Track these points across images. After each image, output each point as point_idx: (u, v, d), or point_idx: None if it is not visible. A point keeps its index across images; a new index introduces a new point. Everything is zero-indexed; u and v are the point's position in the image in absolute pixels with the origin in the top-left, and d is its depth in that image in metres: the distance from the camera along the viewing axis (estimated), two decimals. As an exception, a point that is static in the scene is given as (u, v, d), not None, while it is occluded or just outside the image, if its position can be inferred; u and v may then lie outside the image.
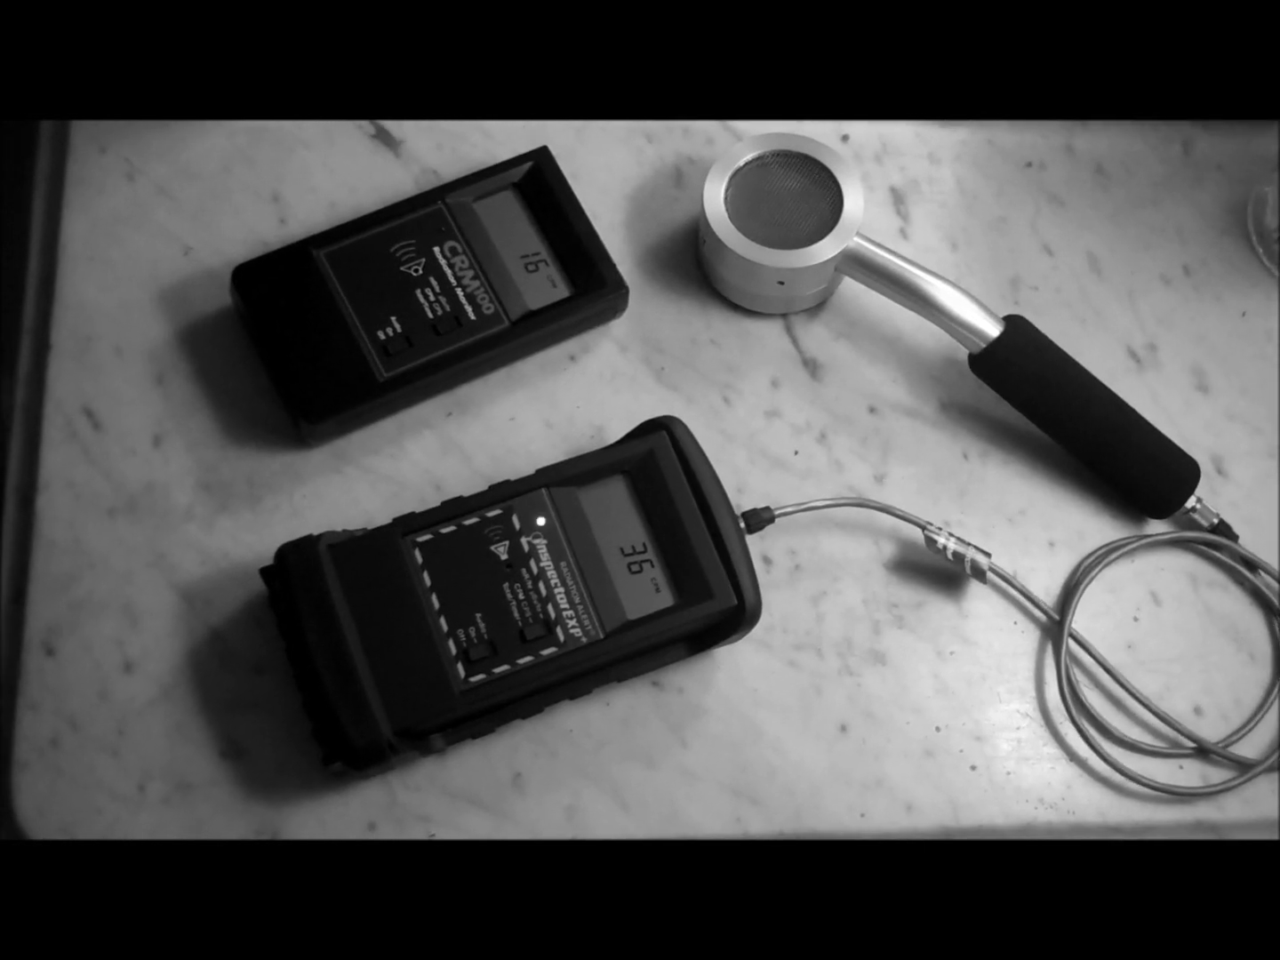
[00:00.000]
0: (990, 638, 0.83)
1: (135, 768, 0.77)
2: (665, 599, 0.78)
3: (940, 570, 0.84)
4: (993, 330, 0.84)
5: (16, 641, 0.79)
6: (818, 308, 0.89)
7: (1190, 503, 0.85)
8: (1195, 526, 0.86)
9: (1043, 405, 0.85)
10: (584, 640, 0.76)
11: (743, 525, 0.80)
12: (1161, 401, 0.89)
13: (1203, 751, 0.82)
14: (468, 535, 0.78)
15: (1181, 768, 0.82)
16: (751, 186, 0.86)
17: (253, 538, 0.81)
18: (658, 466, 0.79)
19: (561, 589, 0.77)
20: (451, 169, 0.89)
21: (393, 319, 0.83)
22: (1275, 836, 0.81)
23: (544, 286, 0.85)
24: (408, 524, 0.78)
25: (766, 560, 0.83)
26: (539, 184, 0.86)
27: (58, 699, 0.78)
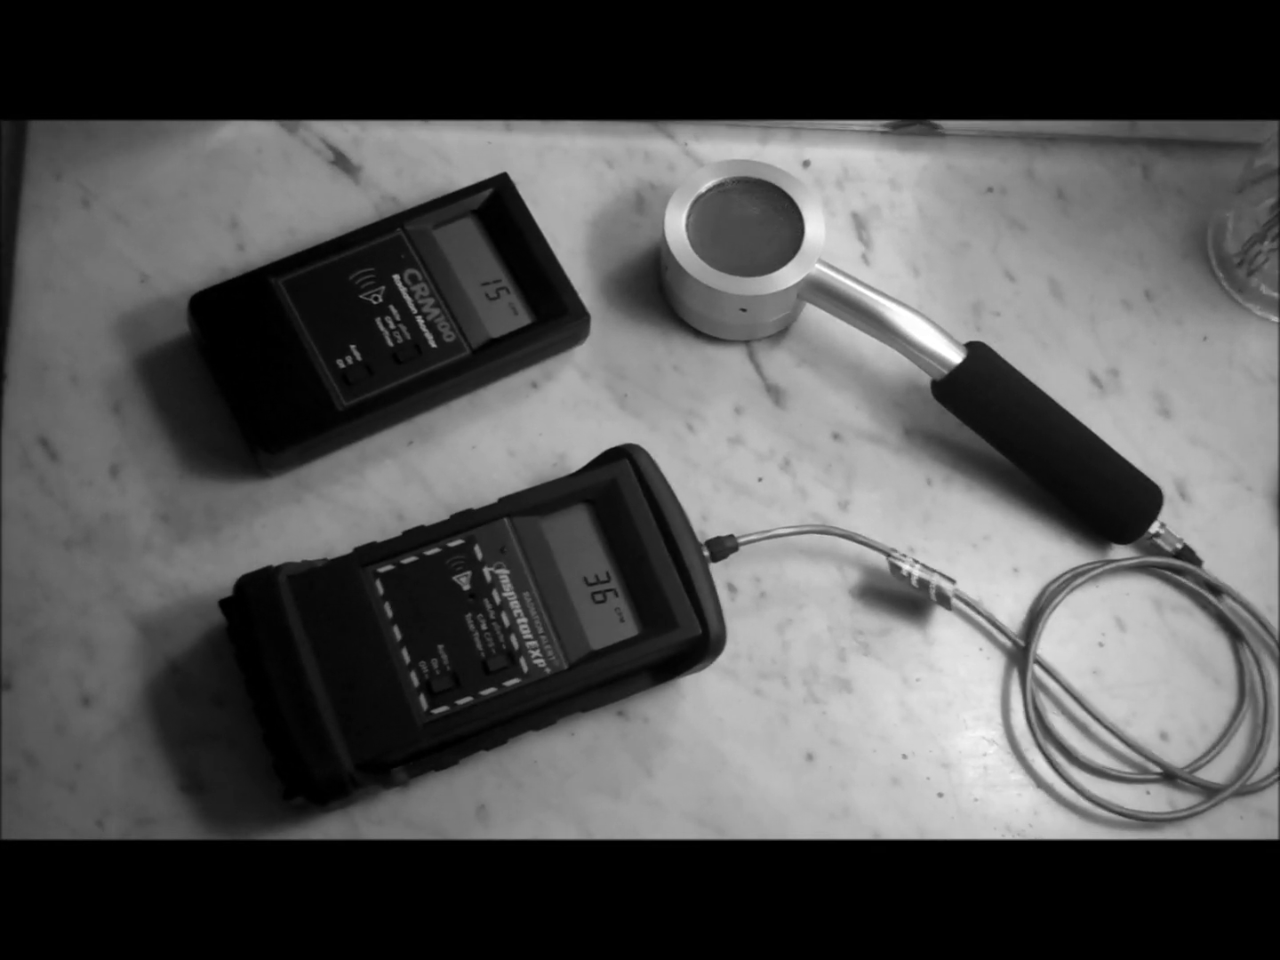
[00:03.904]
0: (956, 664, 0.83)
1: (94, 803, 0.76)
2: (629, 629, 0.77)
3: (905, 597, 0.84)
4: (955, 357, 0.84)
5: (-29, 676, 0.78)
6: (780, 334, 0.89)
7: (1154, 528, 0.85)
8: (1159, 551, 0.86)
9: (1005, 431, 0.85)
10: (548, 671, 0.76)
11: (707, 553, 0.79)
12: (1124, 426, 0.89)
13: (1169, 777, 0.82)
14: (429, 565, 0.77)
15: (1148, 793, 0.82)
16: (713, 213, 0.86)
17: (212, 568, 0.80)
18: (621, 495, 0.79)
19: (525, 619, 0.76)
20: (411, 195, 0.89)
21: (352, 347, 0.82)
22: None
23: (505, 314, 0.84)
24: (369, 554, 0.77)
25: (731, 588, 0.83)
26: (499, 211, 0.86)
27: (14, 734, 0.77)
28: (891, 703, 0.82)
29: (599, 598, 0.78)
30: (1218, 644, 0.85)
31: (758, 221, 0.86)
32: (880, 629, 0.83)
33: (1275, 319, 0.92)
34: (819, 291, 0.85)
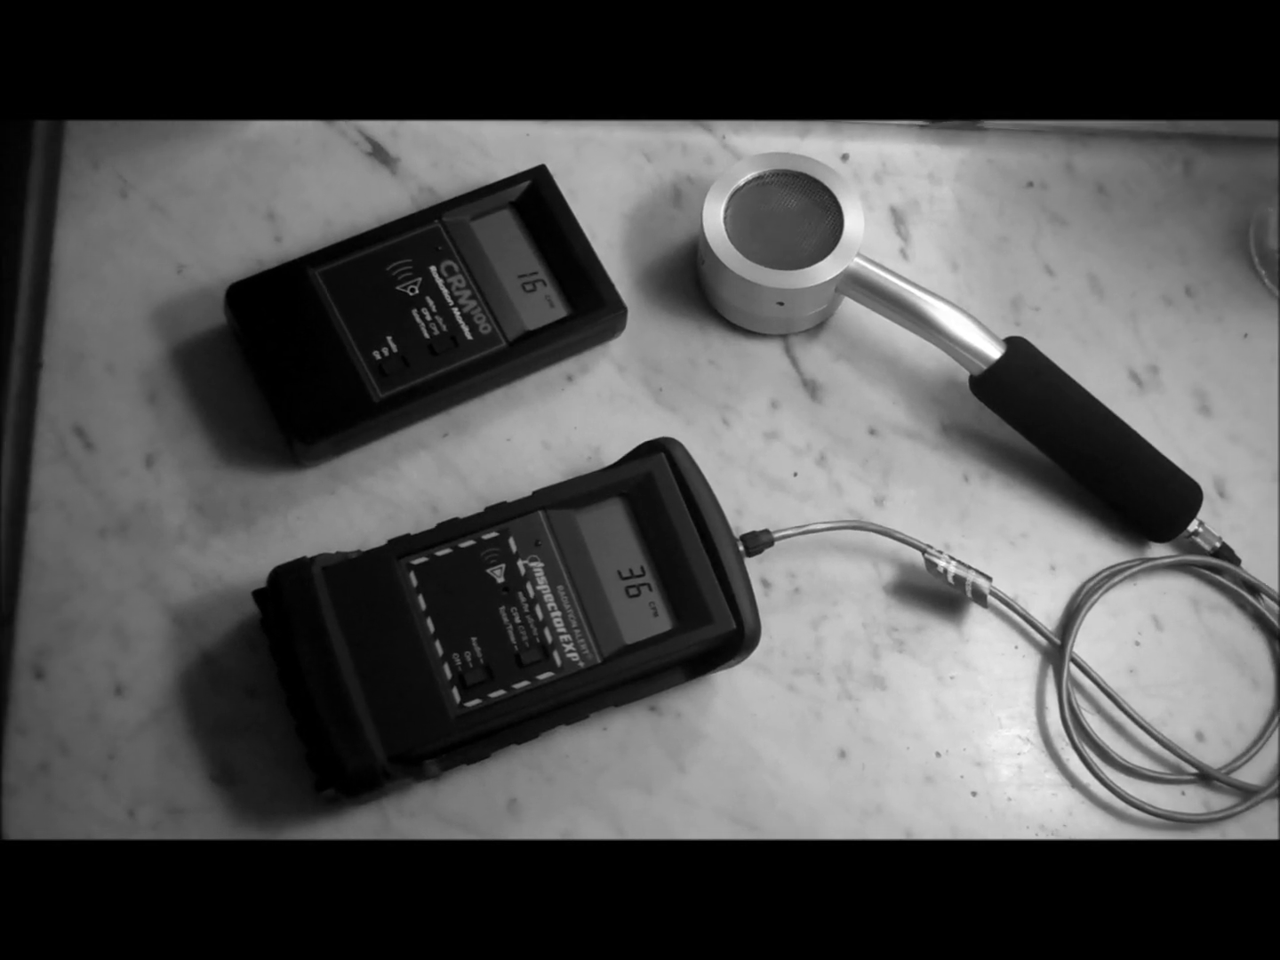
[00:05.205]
0: (991, 662, 0.83)
1: (126, 792, 0.77)
2: (663, 623, 0.77)
3: (941, 594, 0.83)
4: (994, 352, 0.84)
5: (6, 664, 0.78)
6: (817, 328, 0.88)
7: (1192, 526, 0.84)
8: (1197, 550, 0.85)
9: (1044, 428, 0.84)
10: (581, 665, 0.75)
11: (741, 548, 0.79)
12: (1163, 423, 0.88)
13: (1205, 777, 0.81)
14: (464, 558, 0.77)
15: (1184, 794, 0.82)
16: (751, 206, 0.86)
17: (246, 559, 0.81)
18: (656, 489, 0.78)
19: (558, 613, 0.76)
20: (448, 187, 0.88)
21: (389, 339, 0.82)
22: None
23: (541, 306, 0.84)
24: (403, 546, 0.77)
25: (765, 583, 0.83)
26: (537, 203, 0.86)
27: (47, 722, 0.77)
28: (925, 700, 0.82)
29: (633, 592, 0.77)
30: (1255, 644, 0.84)
31: (796, 215, 0.86)
32: (915, 626, 0.83)
33: (1317, 317, 0.91)
34: (857, 285, 0.85)
